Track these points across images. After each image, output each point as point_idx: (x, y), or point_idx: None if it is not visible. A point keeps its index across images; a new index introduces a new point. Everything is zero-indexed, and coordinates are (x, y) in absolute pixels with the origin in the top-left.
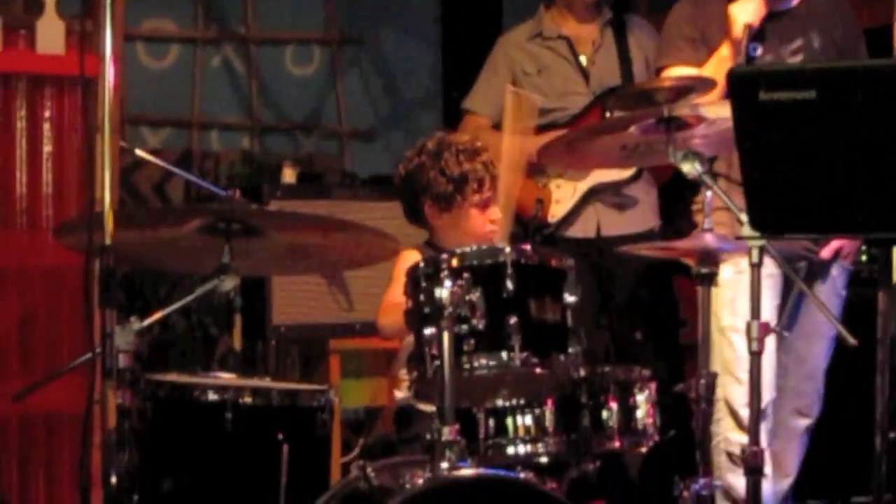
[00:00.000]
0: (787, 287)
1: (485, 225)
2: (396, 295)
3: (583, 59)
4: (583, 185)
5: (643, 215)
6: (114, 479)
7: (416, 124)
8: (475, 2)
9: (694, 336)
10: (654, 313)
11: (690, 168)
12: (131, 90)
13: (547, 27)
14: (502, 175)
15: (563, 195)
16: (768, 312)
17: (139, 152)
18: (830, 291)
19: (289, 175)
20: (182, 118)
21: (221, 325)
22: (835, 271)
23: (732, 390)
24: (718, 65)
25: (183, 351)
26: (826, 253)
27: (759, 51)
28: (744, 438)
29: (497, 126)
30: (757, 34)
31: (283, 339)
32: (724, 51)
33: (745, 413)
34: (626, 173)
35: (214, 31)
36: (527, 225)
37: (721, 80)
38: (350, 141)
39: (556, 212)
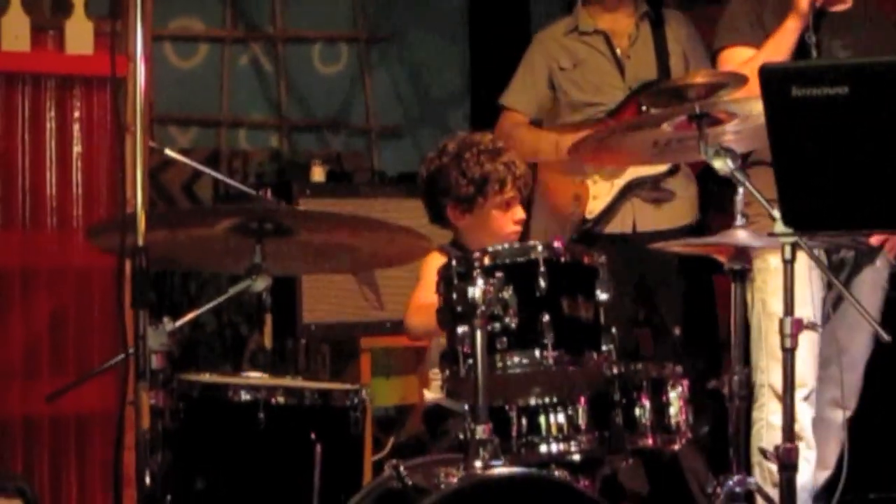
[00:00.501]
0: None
1: (508, 225)
2: (424, 296)
3: (619, 53)
4: (620, 181)
5: (681, 210)
6: (147, 480)
7: (444, 121)
8: None
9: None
10: (691, 309)
11: (722, 165)
12: (159, 90)
13: (583, 22)
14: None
15: (600, 191)
16: (813, 305)
17: (168, 152)
18: (875, 282)
19: (317, 173)
20: (210, 117)
21: (252, 324)
22: (879, 262)
23: (778, 375)
24: (784, 38)
25: (213, 350)
26: (875, 240)
27: (814, 38)
28: None
29: (535, 122)
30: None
31: (313, 338)
32: (791, 24)
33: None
34: (663, 167)
35: (242, 30)
36: (565, 222)
37: (785, 53)
38: (378, 139)
39: (593, 208)
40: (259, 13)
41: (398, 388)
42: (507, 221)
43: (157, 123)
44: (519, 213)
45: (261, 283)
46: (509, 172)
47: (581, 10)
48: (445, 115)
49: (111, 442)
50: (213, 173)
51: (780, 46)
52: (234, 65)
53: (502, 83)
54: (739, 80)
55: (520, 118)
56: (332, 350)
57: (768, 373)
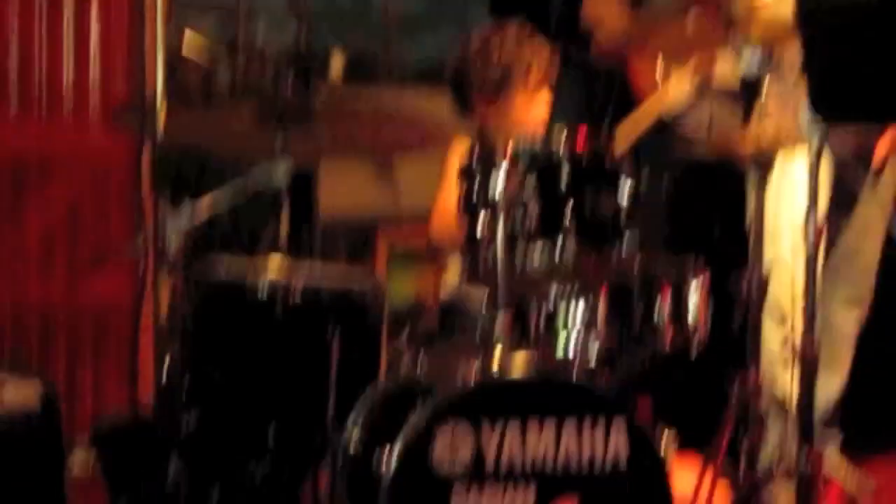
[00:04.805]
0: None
1: (533, 113)
2: (447, 198)
3: None
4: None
5: None
6: (165, 366)
7: (463, 16)
8: None
9: None
10: None
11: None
12: None
13: None
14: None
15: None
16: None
17: (188, 39)
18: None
19: (337, 65)
20: (229, 7)
21: (268, 216)
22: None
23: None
24: None
25: (230, 237)
26: (877, 159)
27: None
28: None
29: None
30: None
31: (329, 229)
32: None
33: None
34: None
35: None
36: None
37: None
38: (398, 32)
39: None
40: None
41: (415, 282)
42: (532, 109)
43: (176, 8)
44: (544, 99)
45: (280, 171)
46: (534, 59)
47: None
48: (466, 9)
49: (127, 334)
50: (232, 61)
51: None
52: None
53: None
54: None
55: None
56: (348, 241)
57: None
